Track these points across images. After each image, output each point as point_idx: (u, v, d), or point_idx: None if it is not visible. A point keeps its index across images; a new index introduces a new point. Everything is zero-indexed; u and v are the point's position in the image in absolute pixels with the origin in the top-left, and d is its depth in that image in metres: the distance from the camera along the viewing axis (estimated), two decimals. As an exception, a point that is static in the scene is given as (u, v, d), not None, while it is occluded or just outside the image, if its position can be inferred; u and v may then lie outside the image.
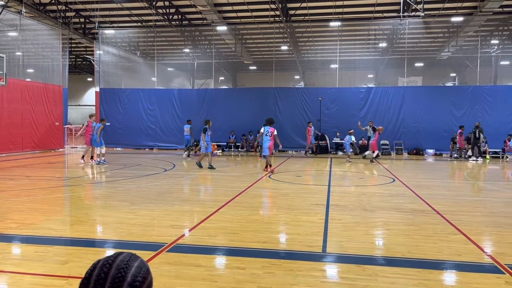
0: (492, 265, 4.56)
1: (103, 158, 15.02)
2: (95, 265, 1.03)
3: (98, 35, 24.71)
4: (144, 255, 4.74)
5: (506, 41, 26.92)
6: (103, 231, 6.25)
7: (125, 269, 1.00)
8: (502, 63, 30.00)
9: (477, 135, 18.53)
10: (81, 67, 39.07)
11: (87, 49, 32.56)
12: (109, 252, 5.13)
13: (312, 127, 20.91)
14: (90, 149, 15.12)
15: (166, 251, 4.95)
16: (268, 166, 13.04)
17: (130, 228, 6.07)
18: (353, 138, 17.54)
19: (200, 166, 13.72)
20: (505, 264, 4.51)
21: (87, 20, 25.59)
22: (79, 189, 9.94)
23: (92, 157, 14.99)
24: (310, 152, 21.34)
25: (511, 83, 29.19)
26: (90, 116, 15.50)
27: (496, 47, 27.68)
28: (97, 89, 24.64)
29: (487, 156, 19.33)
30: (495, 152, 19.70)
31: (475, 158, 18.27)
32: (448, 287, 4.08)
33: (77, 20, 25.32)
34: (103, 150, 15.15)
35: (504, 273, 4.28)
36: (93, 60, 27.09)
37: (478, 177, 13.48)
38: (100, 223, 6.63)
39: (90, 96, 42.82)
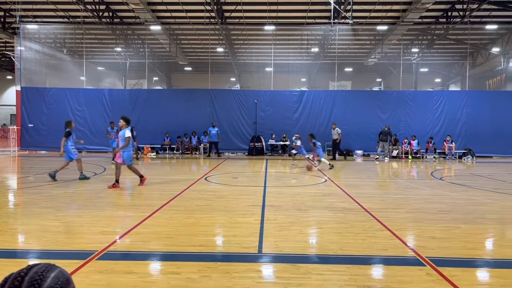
0: (415, 258, 4.88)
1: None
2: (6, 279, 0.92)
3: (19, 29, 22.94)
4: (71, 264, 4.47)
5: (424, 49, 29.17)
6: (24, 240, 5.78)
7: (39, 281, 0.90)
8: (421, 70, 32.52)
9: (380, 137, 20.43)
10: (-1, 64, 36.08)
11: (7, 44, 30.16)
12: (32, 263, 4.75)
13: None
14: None
15: (96, 259, 4.70)
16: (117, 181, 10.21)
17: (55, 236, 5.69)
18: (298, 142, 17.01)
19: (53, 177, 11.08)
20: (426, 257, 4.86)
21: (7, 14, 23.71)
22: (-3, 196, 9.13)
23: None
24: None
25: (429, 89, 31.67)
26: None
27: (416, 55, 29.88)
28: (18, 87, 22.87)
29: (409, 157, 20.77)
30: (416, 153, 21.21)
31: (380, 158, 19.95)
32: (375, 280, 4.30)
33: (-6, 12, 23.36)
34: None
35: (425, 265, 4.61)
36: (14, 57, 25.14)
37: (401, 176, 14.43)
38: (22, 232, 6.14)
39: (10, 95, 39.68)
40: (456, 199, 9.15)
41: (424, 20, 23.69)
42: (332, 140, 20.43)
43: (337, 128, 20.13)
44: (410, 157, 20.77)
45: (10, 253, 5.08)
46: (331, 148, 21.87)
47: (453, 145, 20.84)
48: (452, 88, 34.77)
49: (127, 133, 10.00)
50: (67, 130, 11.40)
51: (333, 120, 22.49)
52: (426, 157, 21.02)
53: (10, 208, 8.03)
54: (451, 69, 34.29)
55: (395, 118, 22.34)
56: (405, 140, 21.07)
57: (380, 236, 5.86)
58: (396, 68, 27.13)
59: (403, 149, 20.91)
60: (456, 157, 20.99)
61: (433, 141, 21.04)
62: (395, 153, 20.86)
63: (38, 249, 5.25)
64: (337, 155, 20.26)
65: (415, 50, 29.47)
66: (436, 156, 21.02)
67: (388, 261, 4.84)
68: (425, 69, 32.99)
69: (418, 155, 20.93)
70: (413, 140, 20.95)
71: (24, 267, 0.96)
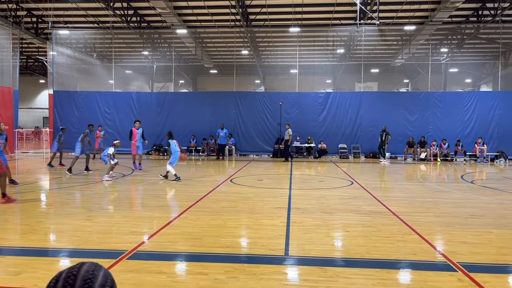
0: (445, 263, 4.78)
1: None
2: (58, 278, 0.97)
3: (51, 35, 23.76)
4: (103, 263, 4.56)
5: (454, 49, 28.42)
6: (58, 239, 5.99)
7: (92, 279, 0.96)
8: (450, 70, 31.67)
9: (383, 138, 20.13)
10: (33, 68, 37.37)
11: (40, 49, 31.23)
12: (65, 261, 4.93)
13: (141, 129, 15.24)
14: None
15: (126, 259, 4.82)
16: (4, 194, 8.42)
17: (87, 235, 5.86)
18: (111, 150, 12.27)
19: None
20: (457, 262, 4.74)
21: (39, 20, 24.56)
22: (31, 196, 9.47)
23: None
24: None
25: (459, 90, 30.82)
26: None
27: (445, 55, 29.15)
28: (51, 91, 23.67)
29: (438, 159, 20.27)
30: (445, 155, 20.68)
31: (383, 160, 19.56)
32: (405, 285, 4.23)
33: (28, 19, 24.22)
34: None
35: (457, 271, 4.50)
36: (46, 62, 26.02)
37: (430, 179, 14.10)
38: (55, 231, 6.35)
39: (43, 99, 41.10)
40: (488, 203, 8.89)
41: (453, 19, 23.11)
42: (284, 141, 20.09)
43: (289, 129, 19.79)
44: (439, 159, 20.26)
45: (44, 252, 5.27)
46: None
47: (485, 147, 20.22)
48: (484, 88, 33.73)
49: None
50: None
51: (359, 122, 22.24)
52: (456, 160, 20.47)
53: (45, 208, 8.31)
54: (482, 69, 33.28)
55: (423, 120, 21.87)
56: (434, 143, 20.55)
57: (408, 240, 5.76)
58: (424, 69, 26.55)
59: (432, 151, 20.42)
60: (488, 160, 20.34)
61: (461, 144, 20.43)
62: (423, 155, 20.40)
63: (71, 248, 5.42)
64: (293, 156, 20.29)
65: (444, 50, 28.74)
66: (466, 158, 20.44)
67: (417, 266, 4.75)
68: (455, 70, 32.13)
69: (449, 158, 20.38)
70: (444, 144, 20.40)
71: (73, 265, 1.01)
